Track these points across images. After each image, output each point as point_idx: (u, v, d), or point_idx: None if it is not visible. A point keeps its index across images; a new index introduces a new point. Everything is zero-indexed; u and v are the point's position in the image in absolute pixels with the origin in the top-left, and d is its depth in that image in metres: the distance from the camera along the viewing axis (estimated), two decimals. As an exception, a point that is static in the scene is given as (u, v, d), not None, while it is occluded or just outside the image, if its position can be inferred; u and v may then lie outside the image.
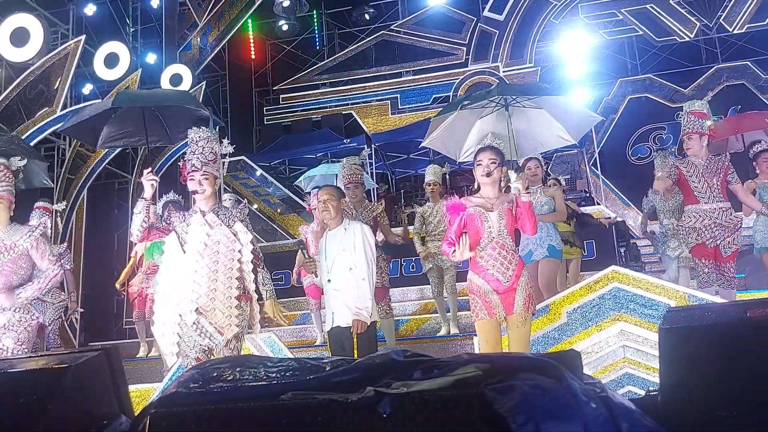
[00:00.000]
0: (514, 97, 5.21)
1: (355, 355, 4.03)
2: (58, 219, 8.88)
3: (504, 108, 5.09)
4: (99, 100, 5.43)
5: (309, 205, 7.47)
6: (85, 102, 10.28)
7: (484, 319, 3.90)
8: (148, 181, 3.89)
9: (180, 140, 5.69)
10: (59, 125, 8.65)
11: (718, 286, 5.17)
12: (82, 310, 7.62)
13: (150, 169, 4.03)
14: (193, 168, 3.83)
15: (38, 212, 7.12)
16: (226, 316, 3.78)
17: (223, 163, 13.01)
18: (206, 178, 3.84)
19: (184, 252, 3.79)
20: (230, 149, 4.02)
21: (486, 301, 3.89)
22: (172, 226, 3.90)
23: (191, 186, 3.86)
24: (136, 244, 6.43)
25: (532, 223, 3.90)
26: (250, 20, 15.67)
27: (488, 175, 3.94)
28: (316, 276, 4.33)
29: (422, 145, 6.03)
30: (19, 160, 4.04)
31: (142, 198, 3.85)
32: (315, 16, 17.28)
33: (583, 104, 13.60)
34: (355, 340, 4.12)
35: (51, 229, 7.29)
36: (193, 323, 3.70)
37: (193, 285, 3.72)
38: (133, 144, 5.85)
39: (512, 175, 3.96)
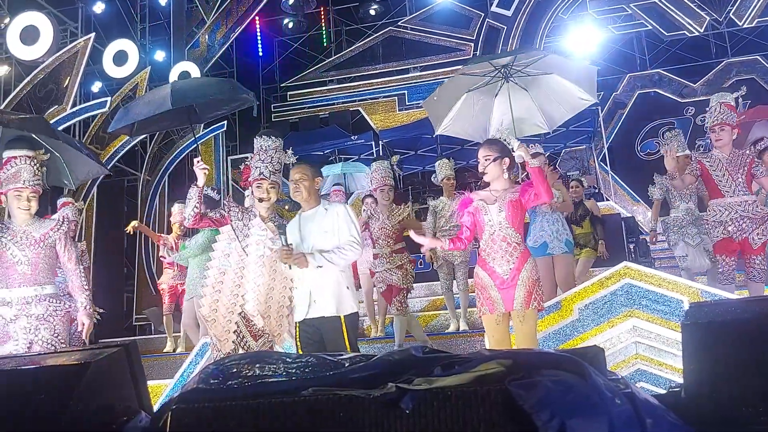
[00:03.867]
0: (514, 67, 5.01)
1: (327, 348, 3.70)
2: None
3: (504, 80, 4.94)
4: (144, 96, 5.37)
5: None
6: (95, 100, 10.33)
7: (487, 314, 3.95)
8: (201, 170, 4.06)
9: (209, 118, 5.81)
10: (71, 126, 8.67)
11: (747, 279, 5.08)
12: (102, 310, 7.65)
13: (199, 158, 4.21)
14: (262, 176, 4.04)
15: (69, 208, 7.16)
16: (278, 324, 3.99)
17: (231, 160, 13.06)
18: (273, 187, 4.09)
19: (247, 254, 3.98)
20: (293, 159, 4.15)
21: (486, 297, 3.93)
22: (229, 219, 4.06)
23: (258, 194, 4.07)
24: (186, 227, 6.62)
25: (546, 187, 3.83)
26: (257, 17, 15.66)
27: (482, 174, 4.00)
28: (290, 268, 3.81)
29: (422, 104, 5.94)
30: (44, 153, 4.06)
31: (195, 185, 4.02)
32: (322, 12, 17.25)
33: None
34: (345, 332, 3.70)
35: (77, 223, 7.37)
36: (236, 324, 3.91)
37: (255, 288, 3.92)
38: (167, 127, 5.90)
39: (514, 143, 3.95)
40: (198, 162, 4.09)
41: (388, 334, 6.77)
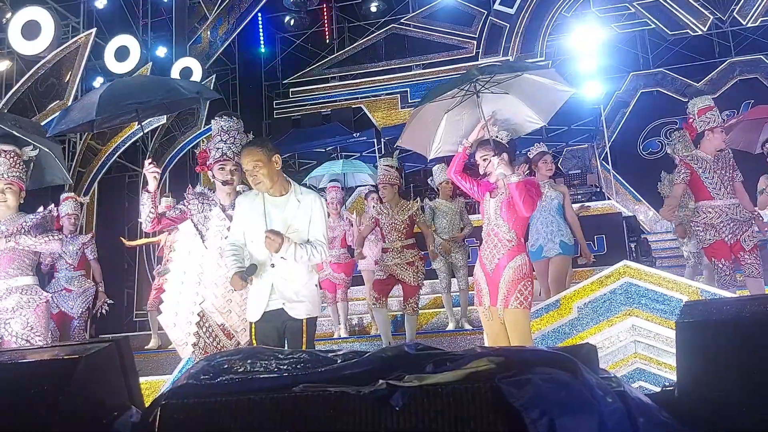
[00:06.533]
0: (482, 84, 4.99)
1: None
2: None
3: (475, 95, 4.93)
4: (84, 97, 5.10)
5: (326, 201, 7.54)
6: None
7: (478, 306, 4.08)
8: (151, 173, 3.85)
9: (177, 109, 5.57)
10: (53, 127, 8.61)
11: (745, 277, 5.04)
12: (110, 301, 7.60)
13: (150, 160, 4.00)
14: (225, 158, 3.77)
15: (67, 202, 7.15)
16: (242, 319, 3.72)
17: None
18: (236, 170, 3.79)
19: (206, 247, 3.74)
20: None
21: (478, 289, 4.04)
22: (189, 213, 3.84)
23: (221, 176, 3.79)
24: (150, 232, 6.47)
25: (524, 203, 3.82)
26: (260, 14, 15.65)
27: (484, 175, 4.08)
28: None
29: (396, 145, 5.86)
30: (32, 149, 4.01)
31: (146, 190, 3.84)
32: (325, 9, 17.24)
33: (595, 98, 13.53)
34: (304, 336, 3.30)
35: (77, 216, 7.30)
36: (207, 323, 3.68)
37: (212, 284, 3.67)
38: (131, 120, 5.58)
39: (494, 159, 3.96)
40: (148, 165, 3.87)
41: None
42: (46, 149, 4.19)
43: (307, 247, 3.28)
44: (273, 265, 3.30)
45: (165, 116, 10.15)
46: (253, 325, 3.39)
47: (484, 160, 4.05)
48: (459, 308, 7.12)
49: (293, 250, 3.21)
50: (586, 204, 7.94)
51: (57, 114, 4.85)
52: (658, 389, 4.05)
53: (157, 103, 4.47)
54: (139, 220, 3.86)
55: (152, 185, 3.83)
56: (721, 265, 5.07)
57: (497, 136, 4.30)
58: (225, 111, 4.06)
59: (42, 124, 8.86)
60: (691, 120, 5.34)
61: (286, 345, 3.36)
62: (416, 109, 5.23)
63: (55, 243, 3.95)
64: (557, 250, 5.63)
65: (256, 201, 3.39)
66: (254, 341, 3.37)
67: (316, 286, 3.48)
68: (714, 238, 5.08)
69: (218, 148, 3.80)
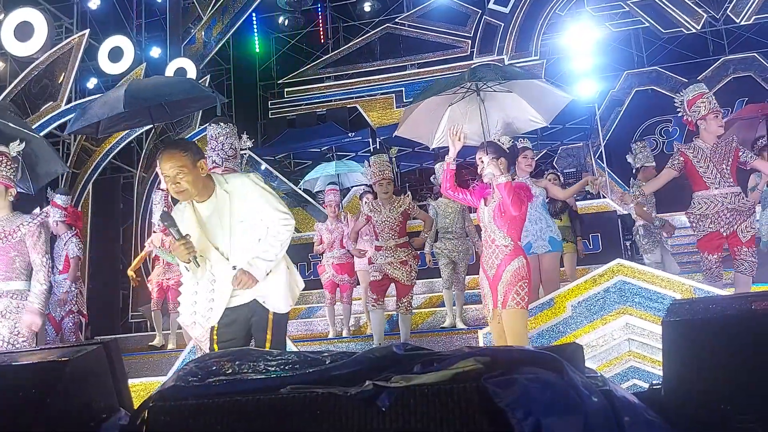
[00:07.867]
0: (484, 83, 5.00)
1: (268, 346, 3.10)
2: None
3: (476, 93, 4.92)
4: (102, 96, 5.17)
5: (324, 203, 7.55)
6: (90, 96, 10.29)
7: (484, 309, 4.21)
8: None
9: (179, 115, 5.62)
10: (66, 123, 8.58)
11: (735, 272, 4.89)
12: (74, 309, 7.45)
13: None
14: (214, 164, 3.87)
15: (50, 209, 7.01)
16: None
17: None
18: (227, 173, 3.81)
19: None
20: (249, 144, 4.02)
21: (483, 293, 4.17)
22: None
23: None
24: (158, 231, 6.30)
25: (513, 203, 3.86)
26: (254, 14, 15.62)
27: (480, 177, 4.11)
28: (189, 261, 2.99)
29: (395, 134, 5.83)
30: (18, 144, 3.98)
31: (159, 188, 3.87)
32: (319, 9, 17.23)
33: (590, 97, 13.55)
34: (270, 325, 3.11)
35: (58, 222, 7.18)
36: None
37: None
38: (134, 125, 5.62)
39: (485, 158, 3.97)
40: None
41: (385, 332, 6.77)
42: (39, 136, 4.17)
43: (268, 250, 3.05)
44: (234, 267, 3.08)
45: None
46: (216, 329, 3.16)
47: (481, 161, 4.09)
48: (456, 307, 7.13)
49: (263, 262, 3.02)
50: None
51: (76, 112, 4.85)
52: (651, 387, 4.07)
53: (180, 99, 4.53)
54: (152, 221, 3.88)
55: (165, 182, 3.85)
56: (708, 259, 4.94)
57: (498, 140, 4.35)
58: (214, 118, 4.11)
59: (38, 125, 8.87)
60: (683, 115, 5.27)
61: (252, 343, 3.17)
62: (413, 105, 5.24)
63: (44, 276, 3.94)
64: (546, 247, 5.62)
65: (186, 213, 3.11)
66: (215, 347, 3.13)
67: (288, 269, 3.26)
68: (709, 229, 4.89)
69: (209, 157, 3.91)
